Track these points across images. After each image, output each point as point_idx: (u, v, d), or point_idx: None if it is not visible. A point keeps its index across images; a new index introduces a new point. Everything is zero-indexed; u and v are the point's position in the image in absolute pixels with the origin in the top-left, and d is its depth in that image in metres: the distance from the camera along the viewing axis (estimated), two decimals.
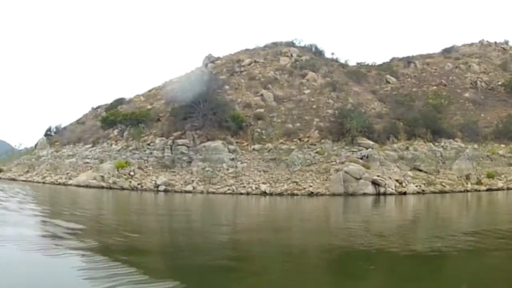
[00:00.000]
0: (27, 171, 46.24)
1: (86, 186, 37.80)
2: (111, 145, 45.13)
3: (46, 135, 55.21)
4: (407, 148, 41.13)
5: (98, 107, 58.25)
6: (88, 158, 43.99)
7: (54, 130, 55.69)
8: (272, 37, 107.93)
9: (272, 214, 24.10)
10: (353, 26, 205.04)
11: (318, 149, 40.32)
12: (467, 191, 38.16)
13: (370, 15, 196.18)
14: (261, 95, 47.71)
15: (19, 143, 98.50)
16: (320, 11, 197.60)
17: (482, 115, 49.37)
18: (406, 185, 36.96)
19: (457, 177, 39.90)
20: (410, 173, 38.89)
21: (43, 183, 41.62)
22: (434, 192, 36.89)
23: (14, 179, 44.39)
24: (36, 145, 54.72)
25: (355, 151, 39.69)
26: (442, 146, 42.72)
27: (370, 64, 60.36)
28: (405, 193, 35.74)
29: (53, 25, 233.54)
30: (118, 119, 47.72)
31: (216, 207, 27.73)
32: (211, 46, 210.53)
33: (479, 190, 38.34)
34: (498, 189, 38.19)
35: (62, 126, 56.31)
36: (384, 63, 61.17)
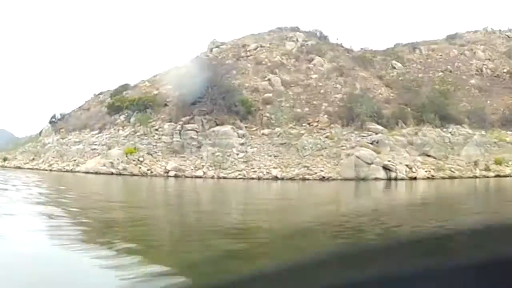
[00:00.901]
0: (33, 159, 46.14)
1: (95, 173, 37.72)
2: (118, 131, 44.70)
3: (50, 122, 54.77)
4: (416, 134, 41.04)
5: (101, 93, 57.74)
6: (95, 145, 43.75)
7: (59, 117, 55.29)
8: (275, 22, 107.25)
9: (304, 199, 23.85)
10: (354, 11, 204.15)
11: (328, 134, 40.17)
12: (476, 177, 38.26)
13: (371, 1, 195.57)
14: (269, 79, 47.35)
15: (22, 131, 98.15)
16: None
17: (489, 101, 49.26)
18: (416, 170, 37.05)
19: (466, 163, 39.97)
20: (419, 158, 38.89)
21: (50, 170, 41.54)
22: (443, 178, 37.04)
23: (19, 167, 44.24)
24: (40, 133, 54.31)
25: (364, 136, 39.55)
26: (450, 132, 42.67)
27: (374, 49, 59.99)
28: (415, 178, 35.85)
29: (51, 11, 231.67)
30: (124, 105, 47.17)
31: (244, 192, 27.39)
32: (214, 31, 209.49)
33: (487, 177, 38.45)
34: (506, 176, 38.18)
35: (66, 113, 56.13)
36: (388, 48, 60.81)
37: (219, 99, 41.23)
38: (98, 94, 57.71)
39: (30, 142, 52.91)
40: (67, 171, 40.44)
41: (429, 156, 39.76)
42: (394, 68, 53.76)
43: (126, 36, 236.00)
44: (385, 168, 35.71)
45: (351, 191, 28.68)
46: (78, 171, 39.56)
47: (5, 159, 48.90)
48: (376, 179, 34.71)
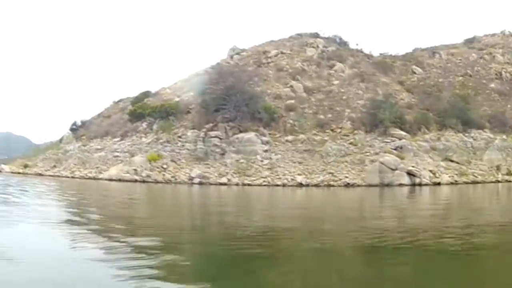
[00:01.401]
0: (54, 166, 46.18)
1: (119, 180, 37.84)
2: (141, 138, 44.92)
3: (71, 129, 55.11)
4: (438, 139, 41.19)
5: (120, 100, 58.20)
6: (118, 152, 43.88)
7: (79, 124, 55.61)
8: (294, 29, 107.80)
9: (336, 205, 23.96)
10: (370, 17, 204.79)
11: (351, 140, 40.33)
12: (498, 181, 38.46)
13: (388, 6, 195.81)
14: (291, 86, 47.48)
15: (40, 138, 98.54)
16: (342, 1, 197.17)
17: (509, 106, 49.40)
18: (440, 175, 37.16)
19: (488, 168, 40.18)
20: (442, 163, 39.05)
21: (72, 177, 41.60)
22: (466, 183, 37.12)
23: (40, 174, 44.36)
24: (61, 140, 54.55)
25: (388, 142, 39.72)
26: (472, 137, 42.82)
27: (393, 54, 60.19)
28: (439, 184, 35.95)
29: (69, 19, 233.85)
30: (146, 112, 47.44)
31: (273, 200, 27.12)
32: (233, 38, 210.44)
33: (510, 181, 38.67)
34: None
35: (87, 120, 56.54)
36: (407, 53, 61.01)
37: (242, 106, 41.27)
38: (118, 101, 58.13)
39: (51, 149, 52.90)
40: (89, 178, 40.57)
41: (452, 161, 39.90)
42: (415, 73, 53.86)
43: (144, 43, 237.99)
44: (409, 173, 35.75)
45: (391, 197, 28.03)
46: (101, 178, 39.57)
47: (25, 166, 49.09)
48: (401, 185, 34.75)
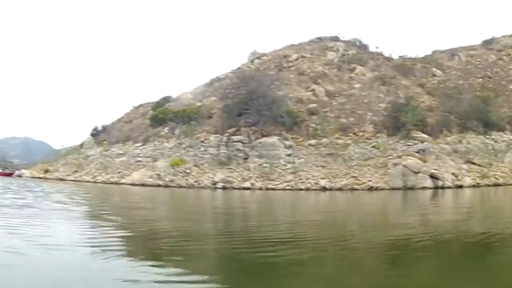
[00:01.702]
0: (76, 171, 46.57)
1: (142, 185, 38.02)
2: (163, 143, 45.43)
3: (92, 134, 55.81)
4: (460, 141, 41.38)
5: (140, 105, 58.81)
6: (140, 157, 44.23)
7: (100, 129, 56.34)
8: (313, 32, 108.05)
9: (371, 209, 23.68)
10: (387, 19, 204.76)
11: (374, 144, 40.61)
12: None
13: (405, 8, 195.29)
14: (313, 90, 47.91)
15: (59, 143, 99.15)
16: (359, 4, 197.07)
17: None
18: (462, 178, 37.31)
19: (509, 170, 40.29)
20: (464, 166, 39.20)
21: (94, 182, 41.86)
22: (488, 185, 37.08)
23: (62, 179, 44.67)
24: (82, 145, 55.13)
25: (410, 145, 39.99)
26: (493, 139, 42.98)
27: (412, 57, 60.48)
28: (461, 186, 35.94)
29: (85, 25, 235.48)
30: (167, 117, 48.02)
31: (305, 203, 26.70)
32: (253, 42, 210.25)
33: None
34: None
35: (107, 124, 57.16)
36: (426, 55, 61.26)
37: (265, 110, 41.53)
38: (138, 106, 58.72)
39: (71, 154, 53.28)
40: (111, 183, 40.65)
41: (473, 163, 40.04)
42: (435, 75, 54.07)
43: (162, 48, 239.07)
44: (432, 176, 35.99)
45: (418, 201, 26.96)
46: (123, 183, 39.70)
47: (46, 171, 49.52)
48: (424, 188, 34.87)
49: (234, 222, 16.12)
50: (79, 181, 42.94)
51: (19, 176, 53.07)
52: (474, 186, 36.74)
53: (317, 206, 25.09)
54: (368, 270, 7.66)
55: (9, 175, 58.19)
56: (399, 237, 11.16)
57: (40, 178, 47.49)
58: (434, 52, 62.95)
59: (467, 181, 37.16)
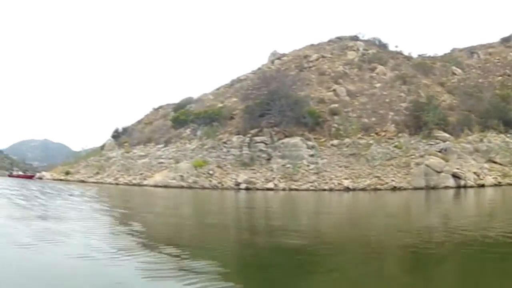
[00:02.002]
0: (97, 173, 47.16)
1: (165, 186, 38.24)
2: (185, 144, 45.84)
3: (113, 136, 56.58)
4: (481, 140, 41.40)
5: (160, 107, 59.34)
6: (162, 158, 44.63)
7: (121, 130, 57.10)
8: (333, 32, 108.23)
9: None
10: (406, 18, 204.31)
11: (396, 143, 40.82)
12: None
13: (423, 6, 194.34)
14: (334, 90, 48.26)
15: (82, 146, 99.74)
16: (378, 4, 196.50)
17: None
18: (484, 177, 37.32)
19: None
20: (486, 165, 39.18)
21: (116, 184, 42.26)
22: (509, 184, 36.93)
23: (83, 181, 45.05)
24: (103, 147, 55.84)
25: (432, 144, 40.17)
26: None
27: (432, 55, 60.62)
28: (483, 186, 35.98)
29: (104, 27, 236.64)
30: (189, 118, 48.59)
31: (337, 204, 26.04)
32: (272, 43, 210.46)
33: None
34: None
35: (128, 126, 57.78)
36: (445, 54, 61.37)
37: (287, 110, 41.89)
38: (158, 108, 59.28)
39: (92, 156, 53.75)
40: (134, 184, 40.85)
41: (495, 162, 40.08)
42: (455, 74, 54.13)
43: (182, 50, 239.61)
44: (455, 176, 36.16)
45: (444, 201, 26.22)
46: (145, 185, 39.86)
47: (67, 173, 50.09)
48: (446, 187, 35.01)
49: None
50: (101, 183, 43.32)
51: (40, 178, 53.47)
52: (495, 185, 36.63)
53: (356, 207, 24.49)
54: (391, 274, 7.37)
55: (30, 177, 58.94)
56: (424, 240, 10.81)
57: (61, 180, 47.81)
58: (453, 50, 63.04)
59: (489, 180, 37.09)
